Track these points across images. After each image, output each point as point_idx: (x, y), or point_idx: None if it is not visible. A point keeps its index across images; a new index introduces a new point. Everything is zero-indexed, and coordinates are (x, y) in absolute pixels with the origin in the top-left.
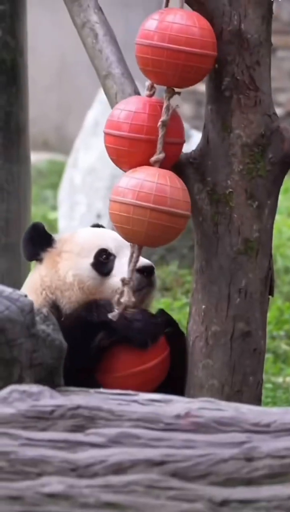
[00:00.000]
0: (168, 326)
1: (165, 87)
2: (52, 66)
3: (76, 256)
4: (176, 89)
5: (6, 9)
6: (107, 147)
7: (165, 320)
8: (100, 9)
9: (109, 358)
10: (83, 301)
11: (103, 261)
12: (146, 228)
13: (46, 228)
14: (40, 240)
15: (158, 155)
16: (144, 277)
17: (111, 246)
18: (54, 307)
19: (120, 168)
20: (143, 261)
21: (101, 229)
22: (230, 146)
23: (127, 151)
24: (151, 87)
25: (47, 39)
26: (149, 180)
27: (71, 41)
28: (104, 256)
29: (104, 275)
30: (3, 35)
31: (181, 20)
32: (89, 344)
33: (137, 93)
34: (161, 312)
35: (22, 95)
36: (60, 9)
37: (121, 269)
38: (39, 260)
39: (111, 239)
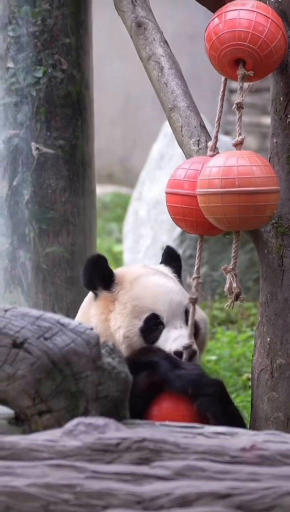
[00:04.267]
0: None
1: None
2: (117, 99)
3: (129, 314)
4: (248, 72)
5: (72, 42)
6: (169, 207)
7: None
8: (165, 42)
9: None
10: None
11: (152, 328)
12: (238, 213)
13: (109, 260)
14: (100, 274)
15: (238, 138)
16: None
17: (163, 313)
18: None
19: (183, 228)
20: (184, 342)
21: (161, 283)
22: None
23: (194, 210)
24: (214, 148)
25: (113, 72)
26: (231, 165)
27: (137, 74)
28: (154, 322)
29: (149, 343)
30: (68, 68)
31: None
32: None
33: (203, 126)
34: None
35: (87, 128)
36: (126, 42)
37: (164, 343)
38: (95, 294)
39: (165, 303)
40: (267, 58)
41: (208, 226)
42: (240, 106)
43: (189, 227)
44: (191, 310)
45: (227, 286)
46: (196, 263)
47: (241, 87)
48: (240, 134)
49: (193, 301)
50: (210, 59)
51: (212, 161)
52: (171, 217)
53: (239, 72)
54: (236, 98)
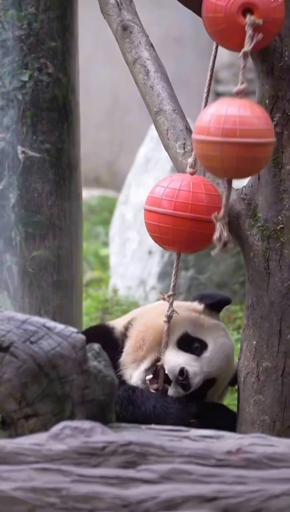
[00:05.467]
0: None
1: None
2: (104, 103)
3: (193, 318)
4: (258, 20)
5: (58, 45)
6: (147, 224)
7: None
8: (151, 45)
9: None
10: (140, 352)
11: (189, 340)
12: (236, 163)
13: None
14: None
15: (240, 86)
16: (177, 384)
17: (210, 349)
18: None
19: (161, 245)
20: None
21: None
22: (281, 182)
23: (171, 229)
24: (195, 164)
25: (99, 76)
26: (233, 114)
27: (123, 77)
28: (194, 344)
29: (171, 343)
30: (55, 71)
31: None
32: None
33: (188, 129)
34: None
35: (74, 132)
36: (112, 45)
37: (178, 357)
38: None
39: (220, 360)
40: (274, 12)
41: (186, 244)
42: (246, 55)
43: (166, 244)
44: (165, 327)
45: (217, 234)
46: (172, 280)
47: (250, 36)
48: (243, 82)
49: (169, 318)
50: (212, 17)
51: (213, 108)
52: (149, 234)
53: (247, 19)
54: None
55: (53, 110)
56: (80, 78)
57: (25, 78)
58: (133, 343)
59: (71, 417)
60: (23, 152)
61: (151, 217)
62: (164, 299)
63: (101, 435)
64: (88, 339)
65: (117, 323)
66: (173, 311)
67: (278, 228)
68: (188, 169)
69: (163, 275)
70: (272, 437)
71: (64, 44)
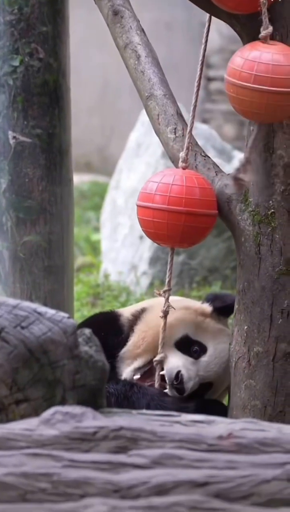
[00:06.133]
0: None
1: None
2: (94, 88)
3: (198, 321)
4: None
5: (48, 30)
6: (140, 220)
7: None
8: (142, 30)
9: None
10: (137, 350)
11: (189, 342)
12: (265, 109)
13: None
14: (228, 311)
15: (267, 30)
16: (172, 388)
17: (211, 354)
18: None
19: (155, 241)
20: (186, 376)
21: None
22: (272, 166)
23: (166, 224)
24: (186, 159)
25: (90, 61)
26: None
27: (114, 63)
28: (200, 346)
29: (174, 341)
30: (45, 56)
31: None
32: None
33: (179, 114)
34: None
35: (64, 117)
36: (103, 30)
37: (177, 360)
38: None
39: (217, 365)
40: None
41: (180, 239)
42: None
43: (160, 240)
44: (162, 323)
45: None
46: (167, 275)
47: None
48: (268, 27)
49: (165, 314)
50: None
51: (248, 53)
52: (142, 230)
53: None
54: (214, 86)
55: (44, 95)
56: (71, 63)
57: (16, 63)
58: (136, 341)
59: (62, 402)
60: (14, 137)
61: (145, 213)
62: (159, 294)
63: (92, 420)
64: (94, 324)
65: (126, 311)
66: (168, 306)
67: (269, 213)
68: (180, 164)
69: (154, 260)
70: (263, 422)
71: (55, 29)
